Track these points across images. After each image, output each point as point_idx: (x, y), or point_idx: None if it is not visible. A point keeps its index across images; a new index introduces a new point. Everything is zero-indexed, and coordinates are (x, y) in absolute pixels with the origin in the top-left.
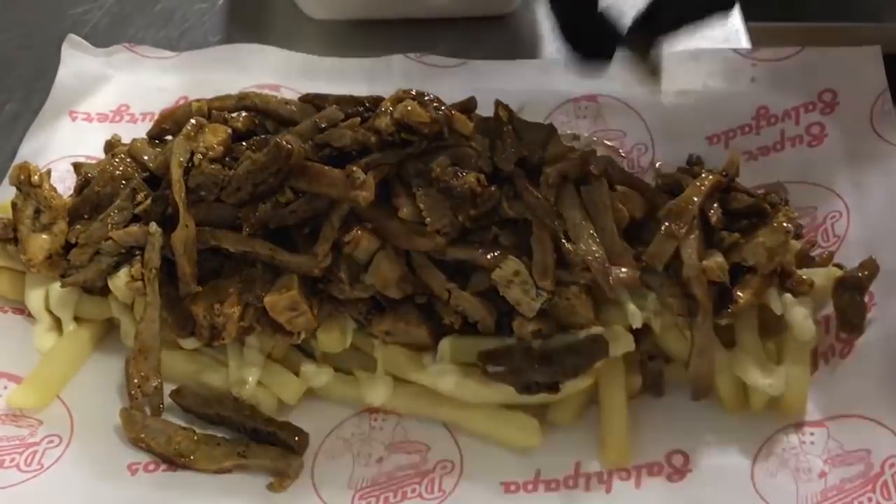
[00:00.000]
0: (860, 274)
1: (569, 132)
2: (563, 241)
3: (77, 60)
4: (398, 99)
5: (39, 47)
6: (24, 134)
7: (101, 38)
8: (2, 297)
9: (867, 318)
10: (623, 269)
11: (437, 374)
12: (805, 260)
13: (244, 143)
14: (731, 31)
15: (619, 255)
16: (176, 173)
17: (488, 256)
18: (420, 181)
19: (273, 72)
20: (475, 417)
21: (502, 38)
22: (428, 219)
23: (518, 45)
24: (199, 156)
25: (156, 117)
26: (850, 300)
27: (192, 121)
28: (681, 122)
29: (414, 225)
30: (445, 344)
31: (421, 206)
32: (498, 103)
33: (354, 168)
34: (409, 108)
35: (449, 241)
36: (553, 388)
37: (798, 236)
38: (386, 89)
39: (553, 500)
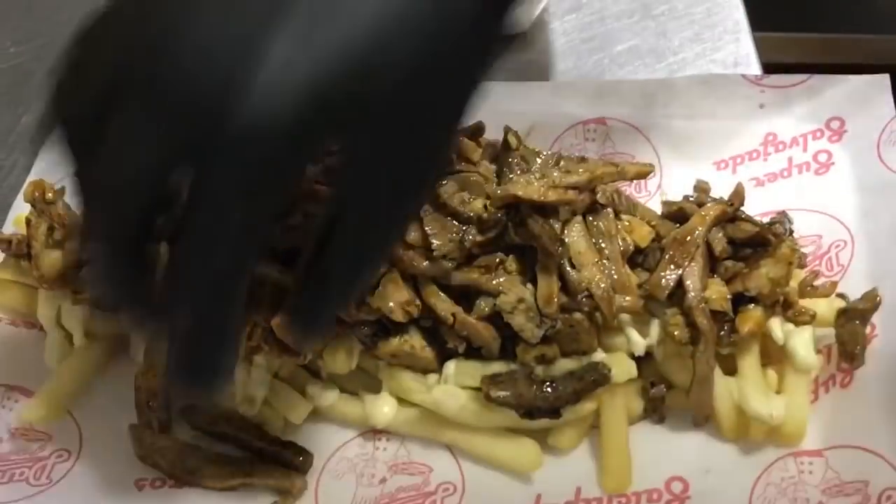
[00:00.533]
0: (862, 305)
1: (577, 154)
2: (568, 268)
3: None
4: None
5: (52, 57)
6: (40, 147)
7: None
8: (15, 311)
9: (868, 349)
10: (626, 297)
11: (440, 396)
12: (808, 289)
13: None
14: (741, 55)
15: (622, 283)
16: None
17: (493, 282)
18: (428, 206)
19: None
20: (477, 441)
21: (515, 56)
22: (434, 243)
23: (528, 64)
24: None
25: None
26: (851, 331)
27: None
28: (689, 147)
29: (421, 249)
30: (450, 367)
31: (428, 230)
32: (507, 130)
33: None
34: None
35: (455, 266)
36: (554, 413)
37: (801, 266)
38: None
39: None
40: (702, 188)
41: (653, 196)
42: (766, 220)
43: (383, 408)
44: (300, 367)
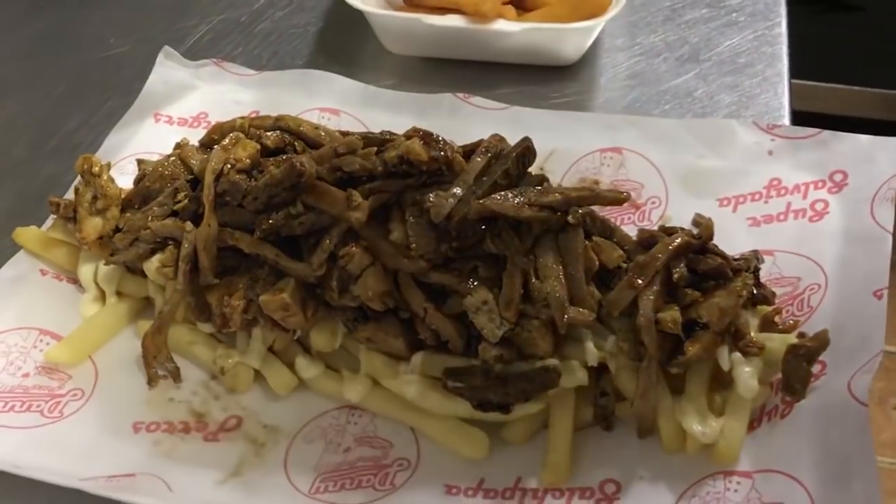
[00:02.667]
0: (810, 343)
1: (591, 178)
2: (534, 279)
3: (168, 69)
4: (408, 136)
5: (147, 54)
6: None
7: (202, 50)
8: (60, 267)
9: (813, 386)
10: (581, 310)
11: (404, 382)
12: (770, 325)
13: (271, 160)
14: (774, 105)
15: (581, 297)
16: (208, 178)
17: (464, 284)
18: (414, 210)
19: (336, 97)
20: (435, 426)
21: (560, 87)
22: (413, 244)
23: (571, 95)
24: (229, 166)
25: None
26: (796, 366)
27: (231, 135)
28: (696, 183)
29: (402, 248)
30: (417, 357)
31: (410, 232)
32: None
33: (354, 191)
34: (412, 146)
35: (432, 266)
36: (505, 408)
37: (769, 302)
38: (434, 122)
39: None
40: (698, 222)
41: (654, 225)
42: (735, 258)
43: (358, 386)
44: (293, 343)
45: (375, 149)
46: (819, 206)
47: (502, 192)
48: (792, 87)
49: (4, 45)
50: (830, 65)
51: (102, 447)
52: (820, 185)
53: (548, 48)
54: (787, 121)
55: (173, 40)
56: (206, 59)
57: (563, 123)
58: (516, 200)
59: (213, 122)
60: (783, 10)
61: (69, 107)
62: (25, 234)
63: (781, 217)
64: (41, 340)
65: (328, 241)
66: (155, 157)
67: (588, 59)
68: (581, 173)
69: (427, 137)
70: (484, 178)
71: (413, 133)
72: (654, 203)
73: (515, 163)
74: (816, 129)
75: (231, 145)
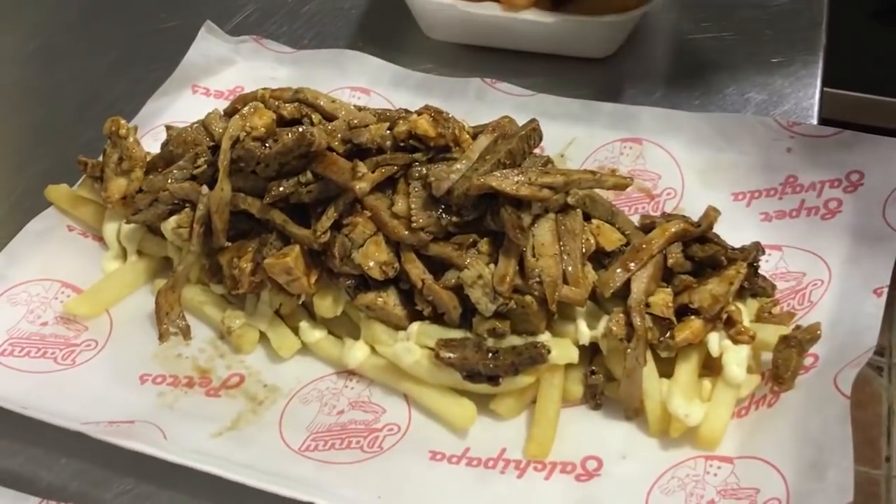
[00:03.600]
0: (801, 336)
1: (609, 166)
2: (530, 256)
3: (208, 43)
4: (419, 113)
5: (194, 29)
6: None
7: (247, 28)
8: (86, 224)
9: (802, 377)
10: (573, 289)
11: (399, 350)
12: (766, 315)
13: (286, 129)
14: (802, 107)
15: (575, 276)
16: (225, 144)
17: (463, 258)
18: (418, 184)
19: (367, 78)
20: (427, 394)
21: (592, 79)
22: (414, 216)
23: (604, 87)
24: (245, 133)
25: None
26: (786, 357)
27: (251, 104)
28: (712, 176)
29: (404, 220)
30: (414, 327)
31: (412, 204)
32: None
33: (360, 162)
34: (420, 122)
35: (432, 238)
36: (493, 380)
37: (768, 295)
38: (459, 105)
39: (468, 473)
40: (714, 215)
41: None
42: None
43: (357, 352)
44: (298, 308)
45: (387, 124)
46: (832, 205)
47: (504, 170)
48: (823, 94)
49: (61, 15)
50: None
51: (108, 395)
52: (836, 183)
53: (580, 40)
54: (815, 119)
55: (220, 17)
56: (247, 35)
57: (587, 113)
58: (516, 178)
59: None
60: (824, 15)
61: (116, 76)
62: (56, 192)
63: (794, 213)
64: (62, 292)
65: (333, 210)
66: (178, 124)
67: (624, 52)
68: (599, 161)
69: (436, 115)
70: (488, 157)
71: (424, 110)
72: (669, 194)
73: (520, 143)
74: (837, 129)
75: (249, 114)
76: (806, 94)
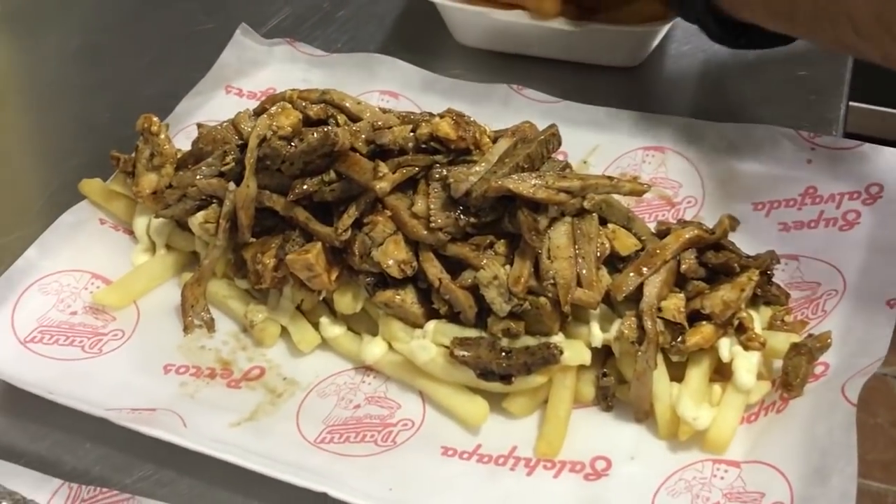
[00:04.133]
0: (811, 344)
1: (631, 173)
2: (545, 258)
3: (243, 45)
4: (441, 116)
5: (232, 32)
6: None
7: (281, 31)
8: (118, 218)
9: (811, 385)
10: (586, 291)
11: (415, 347)
12: (778, 323)
13: (311, 129)
14: (826, 118)
15: (589, 279)
16: (252, 142)
17: (479, 258)
18: (437, 185)
19: (397, 81)
20: (441, 391)
21: (619, 88)
22: (434, 217)
23: (631, 96)
24: (271, 132)
25: None
26: (796, 364)
27: (279, 104)
28: (733, 186)
29: (423, 219)
30: (430, 325)
31: (431, 205)
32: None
33: (381, 163)
34: (441, 125)
35: (450, 239)
36: (506, 379)
37: (782, 303)
38: (485, 109)
39: (479, 469)
40: (728, 223)
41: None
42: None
43: (375, 348)
44: (319, 304)
45: (410, 126)
46: (850, 217)
47: (522, 174)
48: (849, 108)
49: (102, 16)
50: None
51: (132, 384)
52: (855, 196)
53: (608, 49)
54: (840, 131)
55: (256, 21)
56: (281, 38)
57: (611, 120)
58: (534, 182)
59: None
60: None
61: (153, 76)
62: (89, 186)
63: (812, 224)
64: (92, 283)
65: (354, 209)
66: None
67: (652, 62)
68: (622, 168)
69: (458, 118)
70: (507, 160)
71: (446, 114)
72: (689, 202)
73: (539, 147)
74: (857, 142)
75: (276, 114)
76: (831, 107)
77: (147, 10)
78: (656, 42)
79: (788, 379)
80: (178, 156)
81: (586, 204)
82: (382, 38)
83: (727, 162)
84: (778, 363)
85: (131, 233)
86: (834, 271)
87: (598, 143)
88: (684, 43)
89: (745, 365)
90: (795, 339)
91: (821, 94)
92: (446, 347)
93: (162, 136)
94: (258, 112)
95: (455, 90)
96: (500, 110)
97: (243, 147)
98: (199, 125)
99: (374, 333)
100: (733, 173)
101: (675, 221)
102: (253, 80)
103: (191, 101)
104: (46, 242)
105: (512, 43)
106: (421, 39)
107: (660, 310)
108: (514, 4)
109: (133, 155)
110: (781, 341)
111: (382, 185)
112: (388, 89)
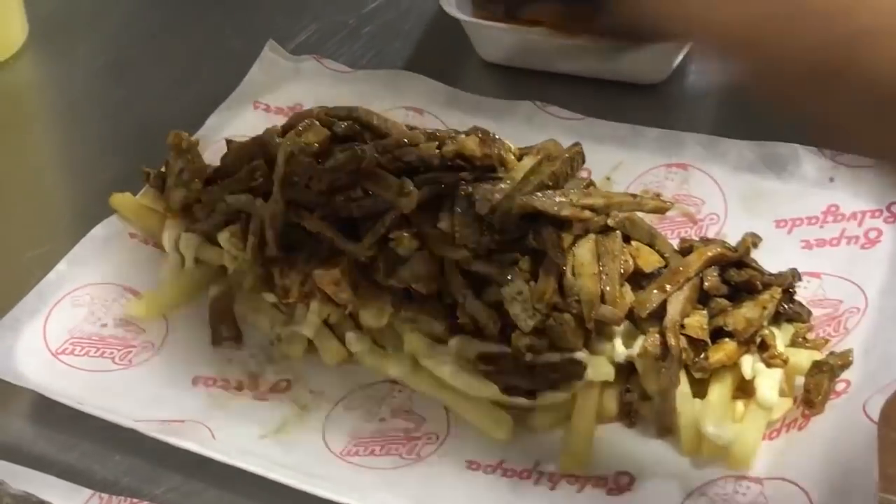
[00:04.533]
0: (833, 361)
1: (653, 190)
2: (569, 275)
3: (271, 61)
4: (467, 134)
5: (258, 48)
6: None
7: (308, 48)
8: (148, 232)
9: (833, 402)
10: (610, 308)
11: (439, 362)
12: (800, 340)
13: (339, 146)
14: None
15: (613, 296)
16: (280, 159)
17: (504, 275)
18: (463, 202)
19: (422, 97)
20: (466, 405)
21: (642, 105)
22: (457, 233)
23: (654, 112)
24: (299, 149)
25: None
26: (818, 381)
27: (306, 121)
28: (756, 203)
29: (449, 236)
30: (455, 340)
31: (456, 222)
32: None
33: (407, 180)
34: (467, 142)
35: (475, 255)
36: (531, 394)
37: (804, 321)
38: (509, 126)
39: (503, 483)
40: (750, 241)
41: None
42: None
43: (400, 363)
44: (345, 318)
45: (436, 143)
46: (872, 235)
47: (547, 191)
48: None
49: (130, 31)
50: None
51: (161, 395)
52: (877, 214)
53: (632, 66)
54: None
55: (284, 37)
56: (308, 54)
57: (634, 137)
58: (559, 199)
59: None
60: None
61: (180, 92)
62: (120, 200)
63: (834, 242)
64: (123, 295)
65: (381, 225)
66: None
67: (675, 78)
68: (645, 185)
69: (484, 135)
70: (532, 178)
71: (472, 131)
72: (712, 220)
73: (563, 165)
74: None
75: (304, 130)
76: None
77: (175, 25)
78: (680, 58)
79: (810, 396)
80: (208, 171)
81: (610, 221)
82: (408, 54)
83: (750, 179)
84: (800, 380)
85: (161, 247)
86: (856, 289)
87: (622, 160)
88: (704, 59)
89: (768, 382)
90: (817, 356)
91: None
92: (470, 362)
93: (192, 151)
94: (286, 128)
95: (479, 106)
96: (524, 127)
97: (271, 163)
98: (228, 141)
99: (400, 348)
100: (756, 191)
101: (697, 238)
102: (280, 95)
103: (219, 117)
104: (77, 256)
105: (537, 59)
106: (445, 55)
107: (683, 326)
108: (541, 21)
109: (163, 170)
110: (804, 358)
111: (408, 202)
112: (413, 105)
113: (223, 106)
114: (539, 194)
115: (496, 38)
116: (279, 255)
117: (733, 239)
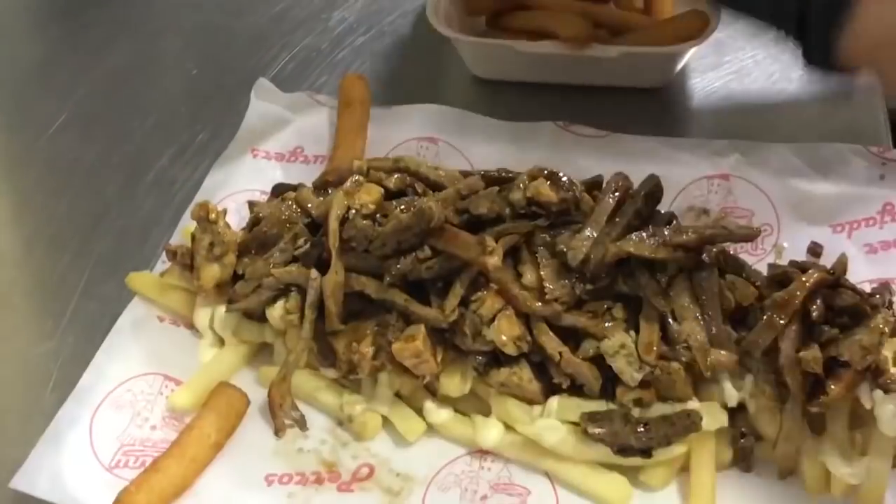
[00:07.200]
0: None
1: (699, 206)
2: (670, 320)
3: (263, 103)
4: (532, 176)
5: (231, 84)
6: (211, 162)
7: (287, 80)
8: (176, 312)
9: None
10: (722, 353)
11: (543, 428)
12: None
13: (394, 202)
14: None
15: (720, 338)
16: (333, 224)
17: (599, 327)
18: (545, 252)
19: (433, 125)
20: (573, 471)
21: (651, 110)
22: (548, 287)
23: (664, 117)
24: (354, 211)
25: (325, 164)
26: None
27: (353, 178)
28: (807, 209)
29: (535, 291)
30: (554, 402)
31: (543, 275)
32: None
33: (487, 237)
34: (541, 188)
35: (565, 308)
36: (646, 453)
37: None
38: (532, 153)
39: None
40: (815, 251)
41: (768, 253)
42: (869, 288)
43: (492, 431)
44: (420, 388)
45: (497, 188)
46: None
47: (637, 233)
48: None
49: (85, 81)
50: None
51: (236, 501)
52: None
53: (637, 71)
54: (888, 138)
55: (257, 71)
56: (292, 88)
57: (665, 150)
58: (651, 241)
59: (309, 156)
60: None
61: (160, 141)
62: (140, 280)
63: None
64: (166, 386)
65: (460, 287)
66: (256, 194)
67: (675, 81)
68: (689, 202)
69: (553, 177)
70: (617, 219)
71: (538, 173)
72: (765, 230)
73: (645, 202)
74: None
75: (353, 190)
76: (870, 107)
77: (132, 68)
78: (683, 62)
79: None
80: (239, 241)
81: (705, 258)
82: (393, 76)
83: (796, 184)
84: None
85: (192, 326)
86: None
87: (660, 175)
88: (703, 56)
89: (890, 410)
90: None
91: (857, 101)
92: (574, 424)
93: (221, 223)
94: (319, 186)
95: (498, 132)
96: (548, 150)
97: (312, 226)
98: (253, 204)
99: (483, 413)
100: (805, 196)
101: (767, 255)
102: (278, 139)
103: (219, 172)
104: (111, 349)
105: (537, 73)
106: (435, 75)
107: (798, 362)
108: (541, 34)
109: (189, 245)
110: None
111: (494, 262)
112: (425, 135)
113: (221, 159)
114: (633, 237)
115: (495, 55)
116: (342, 328)
117: (791, 249)
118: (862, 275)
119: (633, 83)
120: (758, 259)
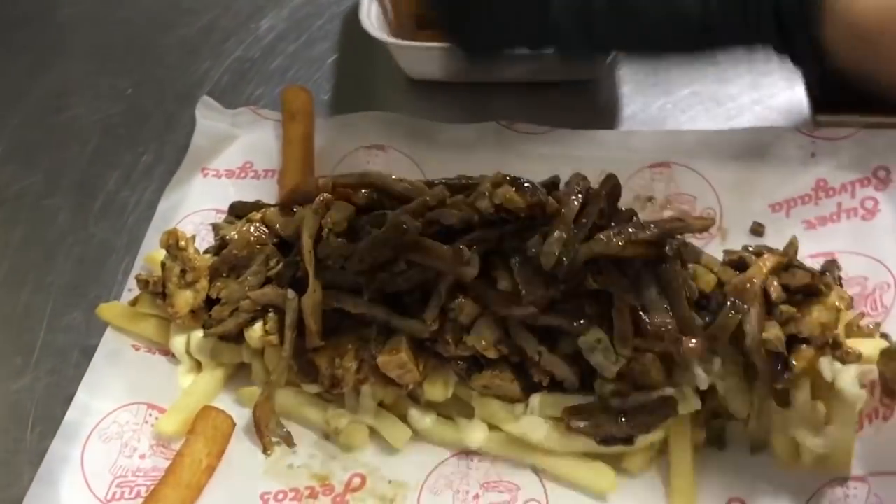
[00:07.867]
0: None
1: (644, 195)
2: (641, 313)
3: (209, 122)
4: (496, 183)
5: (169, 101)
6: (159, 183)
7: (224, 94)
8: (150, 340)
9: None
10: (692, 340)
11: (527, 425)
12: (855, 329)
13: (365, 217)
14: (795, 101)
15: (689, 326)
16: (307, 244)
17: (575, 324)
18: (518, 257)
19: (380, 134)
20: (559, 464)
21: (584, 102)
22: (524, 291)
23: (598, 110)
24: (327, 230)
25: (275, 177)
26: (893, 369)
27: (321, 197)
28: (746, 191)
29: (510, 295)
30: (535, 399)
31: (518, 279)
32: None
33: (462, 247)
34: (508, 195)
35: (540, 310)
36: (628, 441)
37: (848, 307)
38: (481, 153)
39: None
40: (757, 231)
41: (713, 237)
42: (817, 265)
43: (477, 432)
44: (403, 396)
45: (461, 197)
46: (869, 204)
47: (603, 233)
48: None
49: (18, 110)
50: None
51: None
52: (865, 182)
53: (571, 65)
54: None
55: (192, 85)
56: (230, 101)
57: (610, 141)
58: (618, 240)
59: (259, 171)
60: None
61: (104, 165)
62: (111, 310)
63: (835, 217)
64: (150, 415)
65: (438, 297)
66: (212, 214)
67: (608, 73)
68: (634, 191)
69: (517, 183)
70: (584, 220)
71: (501, 179)
72: (709, 213)
73: (607, 201)
74: (853, 129)
75: (322, 209)
76: (793, 93)
77: (66, 92)
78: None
79: (890, 385)
80: (209, 266)
81: (668, 251)
82: (330, 84)
83: (733, 167)
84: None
85: (167, 353)
86: (876, 263)
87: (604, 168)
88: None
89: (849, 380)
90: (881, 343)
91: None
92: (556, 419)
93: (190, 249)
94: (284, 205)
95: (444, 136)
96: (495, 152)
97: (281, 246)
98: (217, 227)
99: (466, 415)
100: (742, 178)
101: (713, 237)
102: (227, 157)
103: (172, 195)
104: (92, 383)
105: (471, 73)
106: (370, 79)
107: (763, 342)
108: None
109: (160, 274)
110: (871, 348)
111: (471, 271)
112: (373, 143)
113: (173, 182)
114: (601, 237)
115: (431, 58)
116: (322, 345)
117: (734, 230)
118: (804, 250)
119: (565, 77)
120: (704, 242)
